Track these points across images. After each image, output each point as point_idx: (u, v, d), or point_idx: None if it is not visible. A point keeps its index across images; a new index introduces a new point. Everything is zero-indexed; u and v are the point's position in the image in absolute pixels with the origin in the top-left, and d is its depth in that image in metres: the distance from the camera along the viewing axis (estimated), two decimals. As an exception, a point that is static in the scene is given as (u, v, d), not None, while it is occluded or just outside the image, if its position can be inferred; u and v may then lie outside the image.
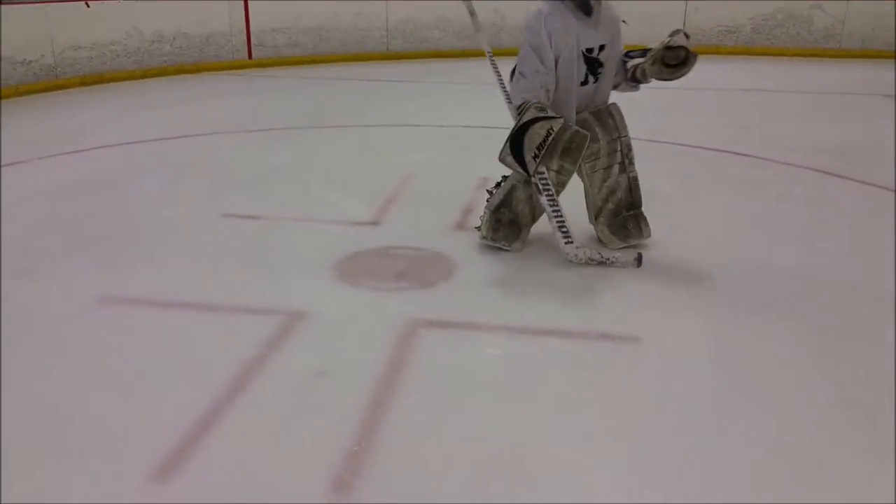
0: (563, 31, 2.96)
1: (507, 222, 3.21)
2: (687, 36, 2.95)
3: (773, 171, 4.61)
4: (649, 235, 3.30)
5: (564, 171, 3.12)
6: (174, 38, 8.58)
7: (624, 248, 3.23)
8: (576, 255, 3.05)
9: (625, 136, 3.21)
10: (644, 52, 3.09)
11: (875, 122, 6.11)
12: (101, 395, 2.20)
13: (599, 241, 3.31)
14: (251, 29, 9.15)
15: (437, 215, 3.71)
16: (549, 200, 3.02)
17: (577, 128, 3.02)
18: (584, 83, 3.08)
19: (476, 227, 3.35)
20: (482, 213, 3.29)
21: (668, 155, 4.94)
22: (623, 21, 3.11)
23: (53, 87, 7.41)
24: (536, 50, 2.96)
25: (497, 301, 2.82)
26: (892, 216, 3.72)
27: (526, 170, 2.95)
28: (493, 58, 3.24)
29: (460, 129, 5.75)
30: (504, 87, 3.16)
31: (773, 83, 8.15)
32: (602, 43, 3.05)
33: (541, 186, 3.01)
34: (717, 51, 10.05)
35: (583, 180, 3.27)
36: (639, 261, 3.04)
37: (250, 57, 9.20)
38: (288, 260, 3.21)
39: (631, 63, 3.13)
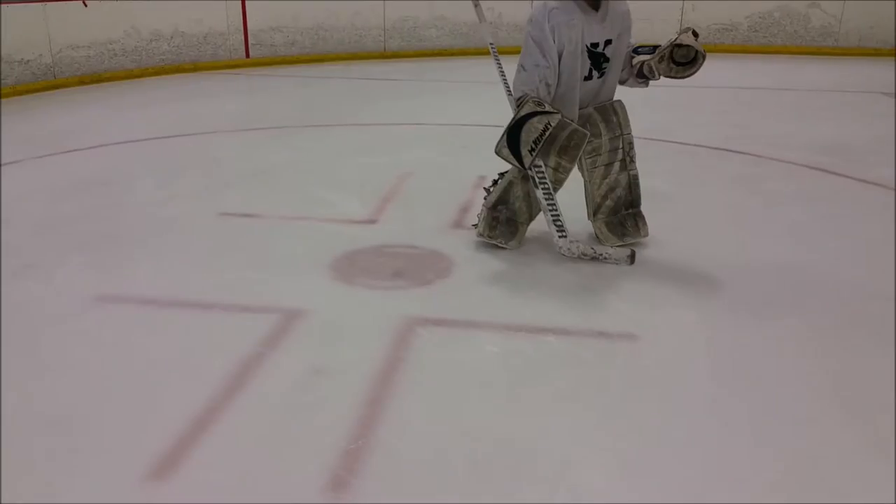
0: (568, 24, 2.93)
1: (504, 220, 3.22)
2: (696, 35, 2.92)
3: (770, 169, 4.61)
4: (646, 235, 3.30)
5: (562, 169, 3.12)
6: (172, 37, 8.57)
7: (620, 245, 3.23)
8: (569, 249, 3.06)
9: (627, 134, 3.20)
10: (653, 48, 3.06)
11: (872, 119, 6.12)
12: (98, 394, 2.20)
13: (597, 238, 3.32)
14: (249, 28, 9.15)
15: (434, 213, 3.72)
16: (544, 194, 3.02)
17: (575, 125, 3.02)
18: (588, 78, 3.06)
19: (473, 225, 3.36)
20: (480, 211, 3.30)
21: (664, 153, 4.94)
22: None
23: (51, 87, 7.40)
24: (539, 43, 2.94)
25: (494, 299, 2.82)
26: (889, 213, 3.73)
27: (522, 163, 2.95)
28: (496, 49, 3.24)
29: (458, 128, 5.75)
30: (504, 79, 3.17)
31: (770, 81, 8.16)
32: (608, 38, 3.03)
33: (537, 180, 3.02)
34: (715, 49, 10.05)
35: (583, 175, 3.27)
36: (632, 258, 3.04)
37: (248, 56, 9.20)
38: (285, 258, 3.21)
39: (637, 59, 3.11)
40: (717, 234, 3.49)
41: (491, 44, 3.28)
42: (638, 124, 3.30)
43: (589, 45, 3.00)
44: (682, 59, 2.97)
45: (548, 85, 2.98)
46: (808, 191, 4.25)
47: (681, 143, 5.23)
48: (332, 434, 1.98)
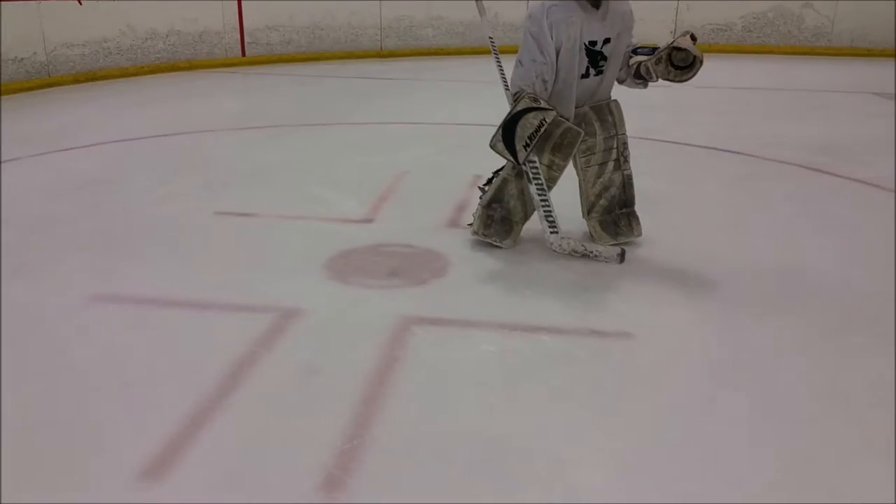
0: (566, 22, 2.94)
1: (498, 219, 3.22)
2: (694, 39, 2.92)
3: (764, 169, 4.63)
4: (640, 234, 3.31)
5: (555, 167, 3.13)
6: (167, 36, 8.56)
7: (614, 244, 3.24)
8: (559, 246, 3.07)
9: (622, 134, 3.21)
10: (652, 50, 3.06)
11: (865, 119, 6.15)
12: (93, 393, 2.20)
13: (591, 236, 3.33)
14: (245, 26, 9.13)
15: (430, 212, 3.72)
16: (537, 189, 3.04)
17: (569, 124, 3.03)
18: (586, 76, 3.07)
19: (469, 224, 3.36)
20: (475, 210, 3.31)
21: (658, 152, 4.96)
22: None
23: (46, 85, 7.38)
24: (537, 39, 2.95)
25: (489, 298, 2.83)
26: (883, 212, 3.75)
27: (516, 158, 2.96)
28: (495, 43, 3.25)
29: (454, 127, 5.76)
30: (503, 73, 3.18)
31: (764, 81, 8.19)
32: (607, 37, 3.03)
33: (531, 175, 3.03)
34: (709, 49, 10.07)
35: (577, 174, 3.28)
36: (622, 257, 3.06)
37: (244, 55, 9.18)
38: (281, 257, 3.21)
39: (634, 59, 3.11)
40: (712, 234, 3.50)
41: (490, 38, 3.29)
42: (633, 123, 3.32)
43: (587, 43, 3.01)
44: (681, 62, 2.97)
45: (544, 81, 2.99)
46: (801, 190, 4.27)
47: (675, 142, 5.25)
48: (326, 433, 1.98)
